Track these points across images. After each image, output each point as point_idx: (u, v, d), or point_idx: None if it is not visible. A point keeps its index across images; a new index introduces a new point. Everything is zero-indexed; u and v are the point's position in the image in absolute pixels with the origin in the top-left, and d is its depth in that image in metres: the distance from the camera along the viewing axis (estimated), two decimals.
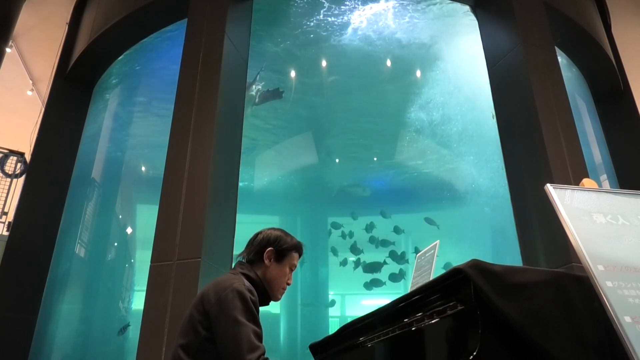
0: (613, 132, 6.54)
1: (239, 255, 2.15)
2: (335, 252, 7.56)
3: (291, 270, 2.12)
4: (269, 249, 2.07)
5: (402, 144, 7.69)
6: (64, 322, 5.54)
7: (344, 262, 7.54)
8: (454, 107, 7.02)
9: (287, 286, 2.13)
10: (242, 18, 5.17)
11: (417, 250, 7.40)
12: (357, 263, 7.52)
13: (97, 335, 5.52)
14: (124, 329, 5.30)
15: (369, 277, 7.54)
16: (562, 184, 2.41)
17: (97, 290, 5.78)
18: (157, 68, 6.21)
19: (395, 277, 7.28)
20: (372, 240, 7.59)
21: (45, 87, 7.13)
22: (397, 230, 7.46)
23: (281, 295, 2.11)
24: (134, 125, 6.35)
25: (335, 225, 7.58)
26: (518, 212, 4.50)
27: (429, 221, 7.36)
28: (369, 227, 7.61)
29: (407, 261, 7.40)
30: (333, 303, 7.68)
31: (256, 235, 2.15)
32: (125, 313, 5.56)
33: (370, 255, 7.53)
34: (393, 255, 7.45)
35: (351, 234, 7.57)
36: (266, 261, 2.06)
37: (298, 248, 2.14)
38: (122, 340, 5.39)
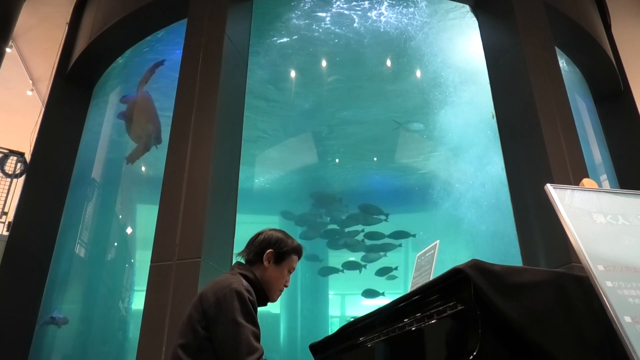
0: (613, 132, 6.53)
1: (239, 254, 2.14)
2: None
3: (289, 272, 2.12)
4: (269, 250, 2.06)
5: (402, 144, 7.69)
6: None
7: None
8: (454, 107, 7.02)
9: (285, 288, 2.13)
10: (242, 18, 5.17)
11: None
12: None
13: (97, 335, 5.52)
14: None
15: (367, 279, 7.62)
16: (562, 184, 2.41)
17: (97, 290, 5.78)
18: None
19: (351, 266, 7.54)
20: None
21: (45, 87, 7.13)
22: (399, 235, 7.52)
23: (278, 297, 2.11)
24: None
25: (287, 215, 7.56)
26: (518, 212, 4.49)
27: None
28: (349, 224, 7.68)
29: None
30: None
31: (257, 235, 2.13)
32: (125, 313, 5.56)
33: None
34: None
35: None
36: (265, 263, 2.05)
37: (298, 251, 2.13)
38: (122, 340, 5.39)
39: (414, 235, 7.44)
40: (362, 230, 7.57)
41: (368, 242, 7.59)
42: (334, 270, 7.61)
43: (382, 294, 7.46)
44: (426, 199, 7.50)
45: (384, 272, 7.48)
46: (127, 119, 5.92)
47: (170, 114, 4.50)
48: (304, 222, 7.50)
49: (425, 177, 7.68)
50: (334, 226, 7.61)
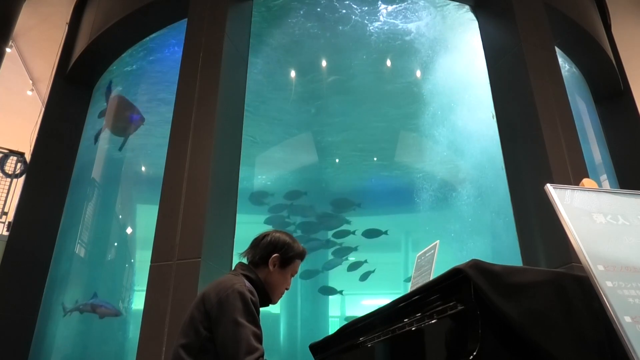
0: (613, 132, 6.53)
1: (242, 254, 2.13)
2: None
3: (292, 276, 2.12)
4: (275, 255, 2.05)
5: (402, 143, 7.69)
6: (64, 322, 5.54)
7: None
8: (454, 107, 7.02)
9: (286, 290, 2.13)
10: (242, 18, 5.17)
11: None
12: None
13: (97, 335, 5.51)
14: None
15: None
16: (562, 184, 2.41)
17: (97, 290, 5.78)
18: (157, 68, 6.21)
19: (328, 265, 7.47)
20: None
21: (45, 87, 7.13)
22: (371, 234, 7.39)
23: (279, 299, 2.12)
24: None
25: (256, 201, 7.36)
26: (518, 212, 4.49)
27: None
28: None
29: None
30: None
31: (263, 236, 2.11)
32: (125, 313, 5.56)
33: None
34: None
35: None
36: (270, 267, 2.05)
37: (302, 256, 2.13)
38: (122, 340, 5.39)
39: (385, 232, 7.35)
40: (327, 241, 7.45)
41: (338, 240, 7.45)
42: (315, 273, 7.55)
43: (341, 292, 7.41)
44: (426, 199, 7.50)
45: (365, 276, 7.41)
46: (112, 127, 6.03)
47: (169, 113, 4.50)
48: (272, 222, 7.38)
49: (425, 177, 7.68)
50: (297, 230, 7.44)
